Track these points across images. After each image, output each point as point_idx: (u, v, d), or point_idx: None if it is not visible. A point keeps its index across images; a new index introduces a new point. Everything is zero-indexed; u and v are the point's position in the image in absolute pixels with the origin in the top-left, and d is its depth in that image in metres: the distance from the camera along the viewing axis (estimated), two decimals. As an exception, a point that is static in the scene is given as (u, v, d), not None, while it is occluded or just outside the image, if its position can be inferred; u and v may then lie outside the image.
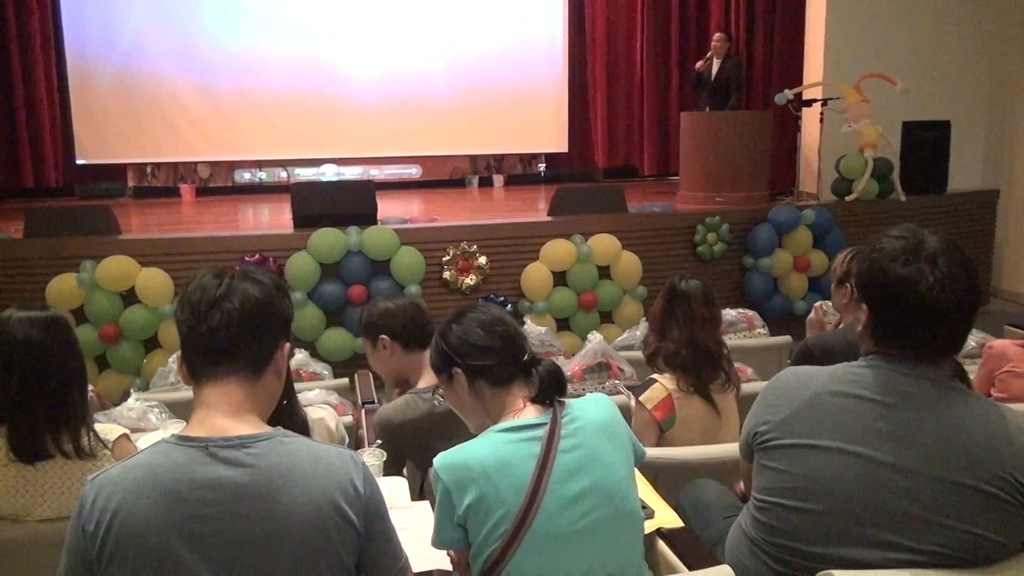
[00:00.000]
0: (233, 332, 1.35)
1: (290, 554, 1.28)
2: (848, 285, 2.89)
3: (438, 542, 1.61)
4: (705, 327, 2.66)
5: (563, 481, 1.55)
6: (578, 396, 1.73)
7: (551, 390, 1.65)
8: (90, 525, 1.27)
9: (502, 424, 1.63)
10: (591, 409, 1.67)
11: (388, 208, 6.47)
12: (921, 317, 1.55)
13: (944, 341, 1.59)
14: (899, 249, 1.58)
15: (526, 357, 1.70)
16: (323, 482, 1.32)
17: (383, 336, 2.61)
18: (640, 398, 2.66)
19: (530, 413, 1.64)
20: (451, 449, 1.59)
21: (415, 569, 1.67)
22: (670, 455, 2.49)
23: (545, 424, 1.59)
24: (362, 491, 1.35)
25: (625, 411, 2.66)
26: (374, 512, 1.38)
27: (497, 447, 1.57)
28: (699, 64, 7.56)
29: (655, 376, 2.69)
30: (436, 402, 2.49)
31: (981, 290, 1.60)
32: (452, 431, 2.48)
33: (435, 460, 1.58)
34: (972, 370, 3.21)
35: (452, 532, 1.57)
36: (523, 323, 4.63)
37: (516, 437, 1.58)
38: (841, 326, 3.02)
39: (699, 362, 2.61)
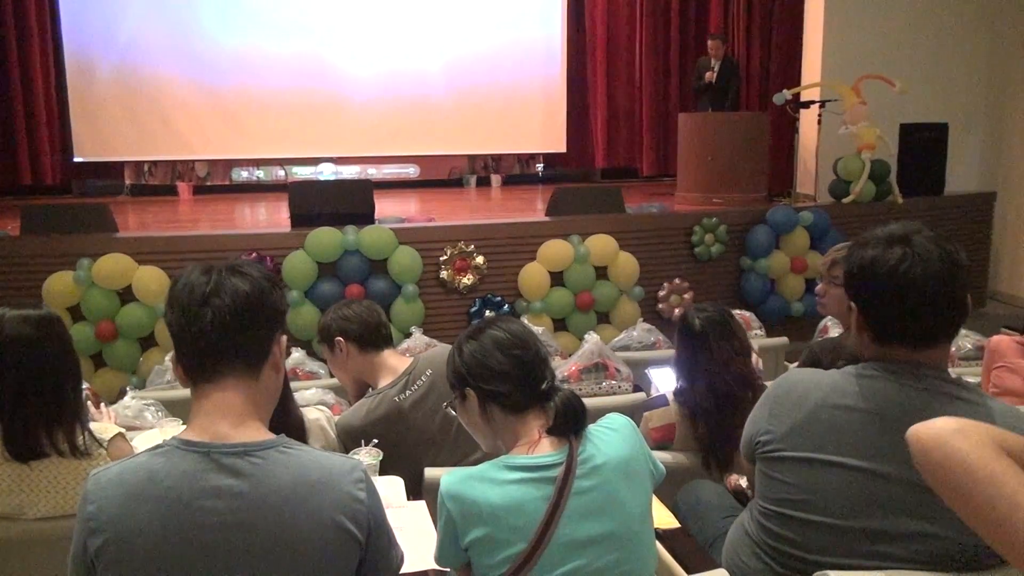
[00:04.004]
0: (226, 330, 1.31)
1: (291, 567, 1.27)
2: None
3: (441, 561, 1.57)
4: (730, 367, 2.49)
5: (574, 524, 1.49)
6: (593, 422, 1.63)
7: (567, 425, 1.56)
8: (90, 523, 1.26)
9: (515, 459, 1.54)
10: (611, 444, 1.58)
11: (385, 207, 6.47)
12: (896, 294, 1.55)
13: (928, 322, 1.57)
14: (873, 237, 1.61)
15: (544, 385, 1.60)
16: (328, 497, 1.30)
17: (339, 339, 2.63)
18: (647, 412, 2.64)
19: (545, 447, 1.55)
20: (460, 476, 1.53)
21: (411, 569, 1.67)
22: (668, 458, 2.50)
23: (560, 464, 1.51)
24: (365, 504, 1.33)
25: (630, 410, 2.66)
26: (376, 522, 1.36)
27: (508, 488, 1.49)
28: (708, 75, 7.56)
29: (669, 398, 2.61)
30: (410, 404, 2.49)
31: (963, 265, 1.57)
32: (418, 427, 2.49)
33: (443, 483, 1.53)
34: (968, 372, 3.23)
35: (455, 555, 1.54)
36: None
37: (528, 477, 1.50)
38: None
39: (722, 409, 2.46)
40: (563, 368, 3.45)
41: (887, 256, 1.55)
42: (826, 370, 1.76)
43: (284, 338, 1.42)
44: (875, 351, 1.64)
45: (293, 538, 1.26)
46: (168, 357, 3.98)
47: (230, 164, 8.82)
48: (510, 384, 1.59)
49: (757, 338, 4.35)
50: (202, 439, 1.29)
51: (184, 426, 1.42)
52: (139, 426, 2.75)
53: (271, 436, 1.34)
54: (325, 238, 5.15)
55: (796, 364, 2.77)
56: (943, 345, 1.62)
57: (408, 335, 4.31)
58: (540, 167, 9.64)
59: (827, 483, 1.57)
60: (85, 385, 2.33)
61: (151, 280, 4.89)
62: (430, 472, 2.34)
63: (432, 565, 1.68)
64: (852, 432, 1.58)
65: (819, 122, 6.91)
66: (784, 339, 4.18)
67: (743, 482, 2.38)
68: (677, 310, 5.89)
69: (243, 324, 1.32)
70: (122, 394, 3.06)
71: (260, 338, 1.35)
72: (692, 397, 2.53)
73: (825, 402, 1.62)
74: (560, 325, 5.63)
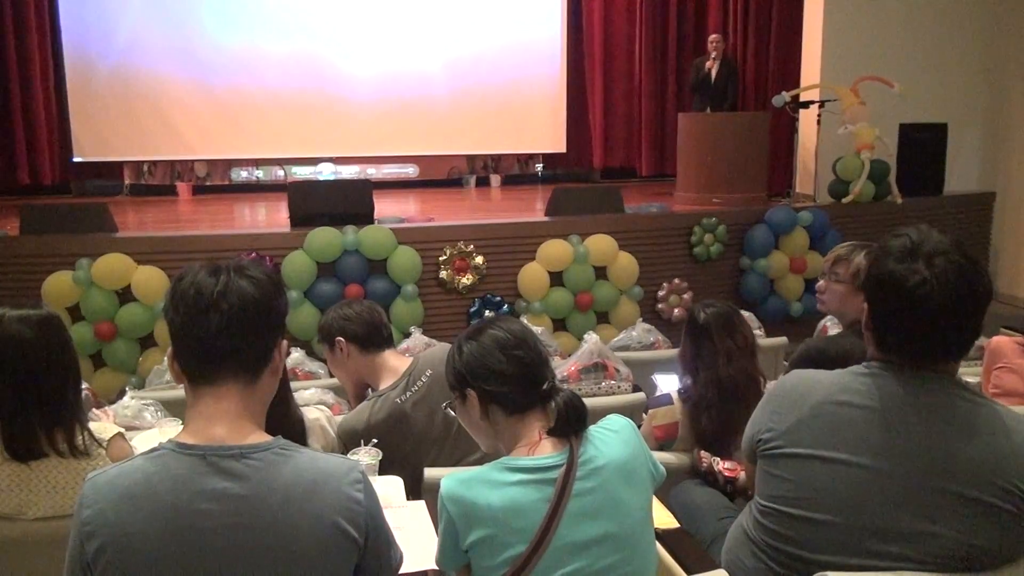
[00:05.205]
0: (232, 334, 1.29)
1: (289, 569, 1.26)
2: None
3: (442, 563, 1.57)
4: (732, 361, 2.51)
5: (574, 525, 1.49)
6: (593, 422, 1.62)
7: (568, 425, 1.55)
8: (87, 527, 1.25)
9: (515, 460, 1.54)
10: (612, 445, 1.57)
11: (385, 207, 6.47)
12: (909, 314, 1.53)
13: (936, 343, 1.56)
14: (899, 246, 1.57)
15: (545, 386, 1.59)
16: (325, 499, 1.29)
17: (340, 339, 2.62)
18: (650, 411, 2.63)
19: (546, 448, 1.54)
20: (460, 478, 1.53)
21: (411, 569, 1.67)
22: (669, 458, 2.51)
23: (561, 466, 1.51)
24: (363, 505, 1.32)
25: (629, 410, 2.65)
26: (374, 523, 1.35)
27: (508, 490, 1.49)
28: (708, 64, 7.59)
29: (673, 396, 2.62)
30: (407, 406, 2.49)
31: (984, 294, 1.55)
32: (420, 427, 2.49)
33: (443, 486, 1.52)
34: (968, 372, 3.23)
35: (456, 557, 1.53)
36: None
37: (529, 478, 1.50)
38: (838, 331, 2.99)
39: (725, 401, 2.47)
40: (562, 368, 3.45)
41: (906, 274, 1.52)
42: (831, 359, 1.75)
43: (285, 343, 1.41)
44: (878, 354, 1.63)
45: (291, 540, 1.26)
46: (168, 355, 3.99)
47: (229, 164, 8.82)
48: (511, 384, 1.59)
49: (757, 339, 4.36)
50: (198, 442, 1.29)
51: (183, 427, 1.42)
52: (138, 426, 2.75)
53: (268, 438, 1.33)
54: (325, 238, 5.16)
55: (789, 362, 2.75)
56: (944, 365, 1.59)
57: (408, 335, 4.31)
58: (539, 167, 9.63)
59: (829, 480, 1.57)
60: (85, 385, 2.33)
61: (151, 280, 4.89)
62: (430, 472, 2.34)
63: (432, 565, 1.68)
64: (855, 429, 1.57)
65: (818, 122, 6.91)
66: (783, 339, 4.17)
67: (716, 464, 2.39)
68: (676, 310, 5.89)
69: (249, 328, 1.31)
70: (121, 394, 3.06)
71: (264, 343, 1.35)
72: (695, 390, 2.54)
73: (828, 399, 1.61)
74: (559, 325, 5.64)
